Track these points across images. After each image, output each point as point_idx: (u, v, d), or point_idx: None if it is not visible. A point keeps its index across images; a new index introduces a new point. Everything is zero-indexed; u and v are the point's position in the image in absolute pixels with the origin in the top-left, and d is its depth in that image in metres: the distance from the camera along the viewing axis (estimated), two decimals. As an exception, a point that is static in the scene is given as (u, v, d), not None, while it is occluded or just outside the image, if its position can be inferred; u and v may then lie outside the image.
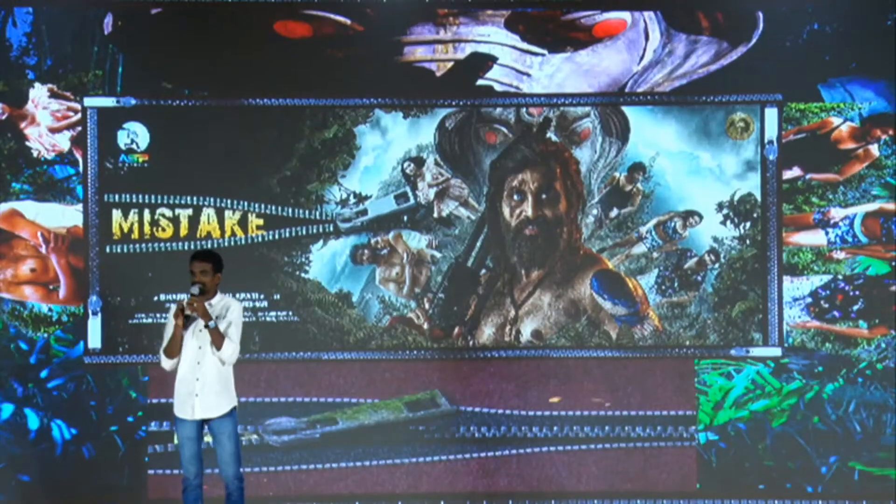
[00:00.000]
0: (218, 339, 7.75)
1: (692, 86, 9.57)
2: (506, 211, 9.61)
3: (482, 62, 9.57)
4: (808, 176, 9.60)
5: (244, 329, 7.97)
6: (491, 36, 9.58)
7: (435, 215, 9.59)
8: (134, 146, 9.46)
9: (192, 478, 7.88)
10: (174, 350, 7.81)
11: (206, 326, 7.73)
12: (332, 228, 9.57)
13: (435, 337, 9.61)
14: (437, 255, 9.61)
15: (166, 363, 7.89)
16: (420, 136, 9.57)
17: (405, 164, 9.55)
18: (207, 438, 8.07)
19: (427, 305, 9.60)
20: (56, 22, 9.42)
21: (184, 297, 7.88)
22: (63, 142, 9.46)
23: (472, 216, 9.60)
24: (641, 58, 9.60)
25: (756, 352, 9.58)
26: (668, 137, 9.58)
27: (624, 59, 9.60)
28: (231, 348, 7.80)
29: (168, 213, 9.51)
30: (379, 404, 9.52)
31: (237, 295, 9.15)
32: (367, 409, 9.53)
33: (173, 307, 7.89)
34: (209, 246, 9.35)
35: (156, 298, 9.49)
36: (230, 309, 7.87)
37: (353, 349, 9.56)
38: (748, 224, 9.59)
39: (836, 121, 9.58)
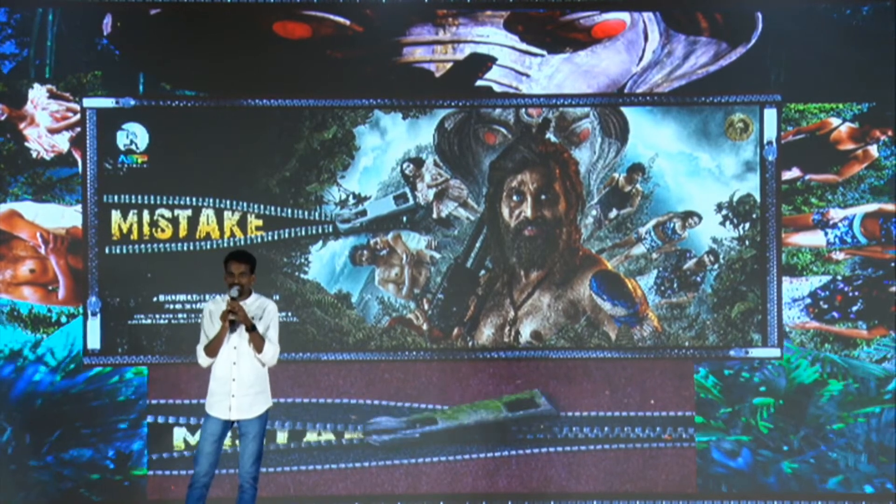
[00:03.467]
0: (259, 342, 7.74)
1: (691, 86, 9.58)
2: (505, 212, 9.61)
3: (481, 63, 9.57)
4: (807, 177, 9.60)
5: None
6: (490, 37, 9.58)
7: (434, 216, 9.59)
8: (133, 147, 9.45)
9: (202, 474, 7.83)
10: (215, 351, 7.78)
11: (248, 330, 7.71)
12: (331, 229, 9.57)
13: (434, 338, 9.61)
14: (437, 255, 9.61)
15: (204, 361, 7.85)
16: (419, 136, 9.57)
17: (404, 165, 9.55)
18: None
19: (426, 306, 9.60)
20: (55, 22, 9.41)
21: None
22: (62, 142, 9.45)
23: (471, 217, 9.60)
24: (640, 58, 9.60)
25: (755, 353, 9.58)
26: (667, 138, 9.59)
27: (623, 59, 9.61)
28: (272, 350, 7.80)
29: (167, 213, 9.51)
30: (478, 404, 9.53)
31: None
32: (466, 409, 9.54)
33: (207, 305, 7.89)
34: (208, 247, 9.36)
35: (155, 299, 9.48)
36: (266, 310, 7.86)
37: (353, 350, 9.56)
38: (747, 225, 9.59)
39: (835, 121, 9.59)
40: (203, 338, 7.85)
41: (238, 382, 7.77)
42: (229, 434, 8.07)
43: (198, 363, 7.91)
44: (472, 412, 9.54)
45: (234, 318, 7.69)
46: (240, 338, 7.77)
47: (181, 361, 9.38)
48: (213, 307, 7.87)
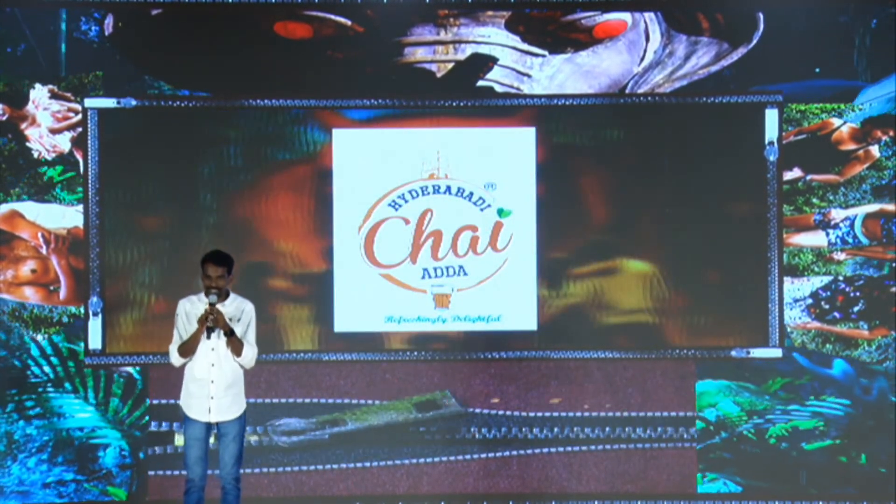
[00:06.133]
0: (237, 346, 7.68)
1: (693, 86, 9.57)
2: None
3: (483, 63, 9.57)
4: (808, 177, 9.60)
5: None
6: (491, 37, 9.58)
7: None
8: None
9: (197, 479, 7.79)
10: (189, 352, 7.71)
11: (226, 335, 7.65)
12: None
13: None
14: (438, 256, 9.66)
15: (177, 361, 7.78)
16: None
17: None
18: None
19: (427, 306, 9.65)
20: (57, 23, 9.42)
21: (187, 297, 7.83)
22: (63, 143, 9.47)
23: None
24: (642, 59, 9.60)
25: (757, 353, 9.57)
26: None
27: (624, 60, 9.61)
28: (251, 353, 7.74)
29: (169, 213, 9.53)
30: (388, 405, 9.52)
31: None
32: (376, 409, 9.53)
33: (182, 304, 7.79)
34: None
35: (156, 299, 9.48)
36: (244, 311, 7.78)
37: (354, 350, 9.56)
38: (749, 225, 9.63)
39: (836, 122, 9.58)
40: (176, 337, 7.76)
41: (217, 384, 7.72)
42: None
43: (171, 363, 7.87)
44: (381, 413, 9.50)
45: (211, 325, 7.62)
46: (218, 339, 7.71)
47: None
48: (189, 307, 7.76)
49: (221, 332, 7.63)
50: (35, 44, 9.43)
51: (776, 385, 9.58)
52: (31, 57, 9.43)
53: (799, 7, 9.54)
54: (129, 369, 9.44)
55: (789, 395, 9.57)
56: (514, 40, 9.58)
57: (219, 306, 7.66)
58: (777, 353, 9.57)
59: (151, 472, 9.52)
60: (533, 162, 9.59)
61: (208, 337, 7.66)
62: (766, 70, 9.51)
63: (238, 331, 7.70)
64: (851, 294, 9.56)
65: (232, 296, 7.80)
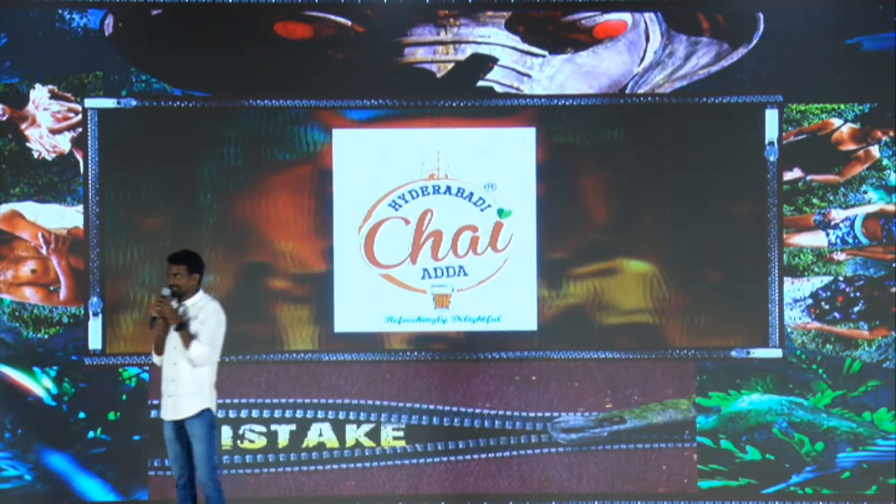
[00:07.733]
0: (186, 339, 7.79)
1: (693, 87, 9.58)
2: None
3: (483, 63, 9.57)
4: (808, 177, 9.60)
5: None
6: (491, 37, 9.58)
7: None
8: None
9: (178, 476, 7.99)
10: (159, 349, 7.93)
11: (176, 328, 7.78)
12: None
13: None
14: (438, 256, 9.65)
15: (155, 360, 8.03)
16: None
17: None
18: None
19: (427, 306, 9.65)
20: (57, 23, 9.42)
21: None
22: (64, 143, 9.47)
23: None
24: (642, 59, 9.60)
25: (757, 353, 9.58)
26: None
27: (624, 60, 9.61)
28: (198, 350, 7.79)
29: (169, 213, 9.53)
30: (668, 403, 9.51)
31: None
32: (655, 407, 9.52)
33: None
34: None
35: (156, 299, 9.47)
36: (203, 310, 7.88)
37: (354, 351, 9.56)
38: (750, 225, 9.63)
39: (836, 122, 9.58)
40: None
41: (176, 382, 7.85)
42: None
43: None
44: (661, 411, 9.52)
45: (154, 316, 7.78)
46: (179, 338, 7.80)
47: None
48: None
49: (173, 326, 7.80)
50: (34, 44, 9.43)
51: (826, 399, 9.57)
52: (30, 57, 9.42)
53: (800, 7, 9.54)
54: (41, 393, 9.43)
55: (843, 412, 9.56)
56: (515, 40, 9.58)
57: (186, 303, 7.84)
58: (777, 353, 9.57)
59: (151, 473, 9.52)
60: (533, 162, 9.59)
61: (152, 327, 7.82)
62: (766, 70, 9.51)
63: (193, 327, 7.81)
64: (851, 294, 9.56)
65: (200, 294, 7.94)
